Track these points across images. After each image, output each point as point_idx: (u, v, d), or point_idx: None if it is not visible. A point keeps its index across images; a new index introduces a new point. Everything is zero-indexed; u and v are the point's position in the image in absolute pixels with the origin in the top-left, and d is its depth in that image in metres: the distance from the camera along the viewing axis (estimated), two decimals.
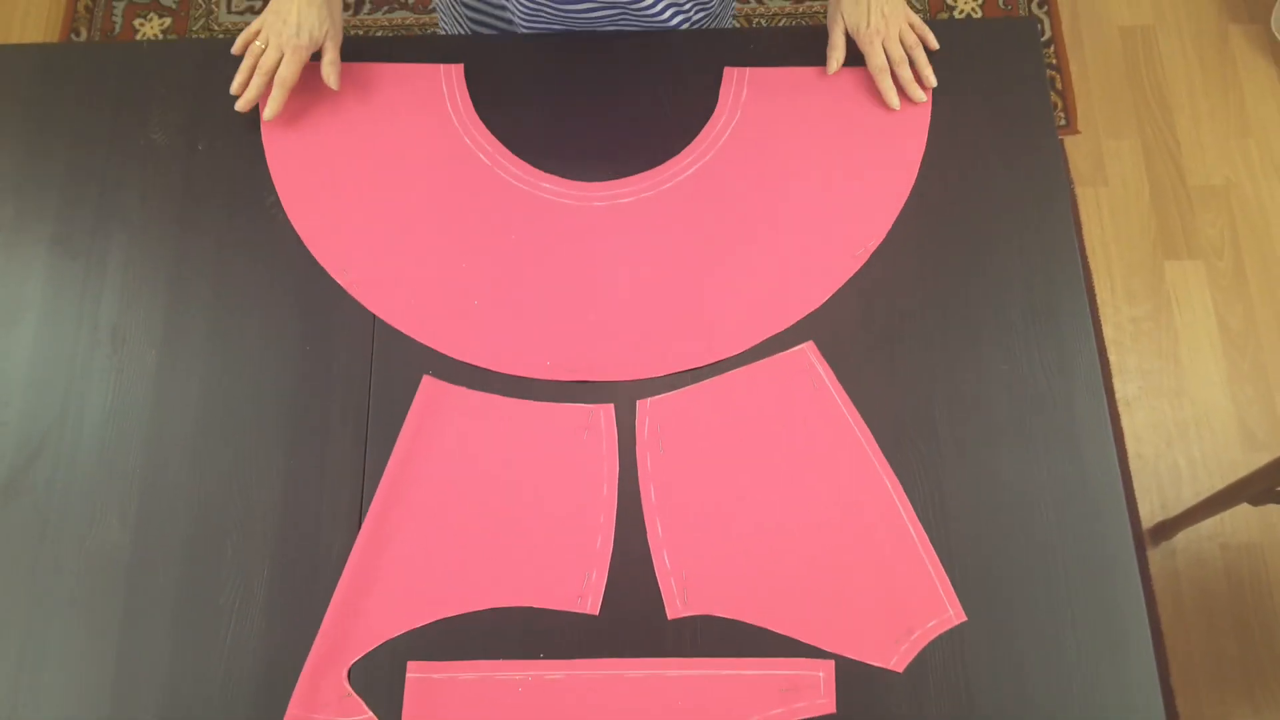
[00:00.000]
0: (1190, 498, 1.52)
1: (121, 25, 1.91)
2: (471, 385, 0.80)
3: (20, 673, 0.72)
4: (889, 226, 0.85)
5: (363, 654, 0.72)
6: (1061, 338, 0.82)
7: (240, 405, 0.79)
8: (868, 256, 0.84)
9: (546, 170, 0.87)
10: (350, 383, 0.80)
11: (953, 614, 0.73)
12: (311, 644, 0.72)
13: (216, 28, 1.91)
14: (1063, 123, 1.80)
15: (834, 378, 0.80)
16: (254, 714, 0.71)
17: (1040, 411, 0.80)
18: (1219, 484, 1.47)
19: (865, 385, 0.80)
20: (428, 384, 0.79)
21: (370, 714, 0.70)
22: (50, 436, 0.78)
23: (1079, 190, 1.75)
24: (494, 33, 1.04)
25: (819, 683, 0.71)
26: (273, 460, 0.77)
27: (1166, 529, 1.48)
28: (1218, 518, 1.50)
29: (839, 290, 0.83)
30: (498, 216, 0.85)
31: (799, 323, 0.82)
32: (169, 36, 1.89)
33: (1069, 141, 1.79)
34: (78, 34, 1.90)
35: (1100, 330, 1.64)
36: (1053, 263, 0.84)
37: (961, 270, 0.84)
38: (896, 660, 0.72)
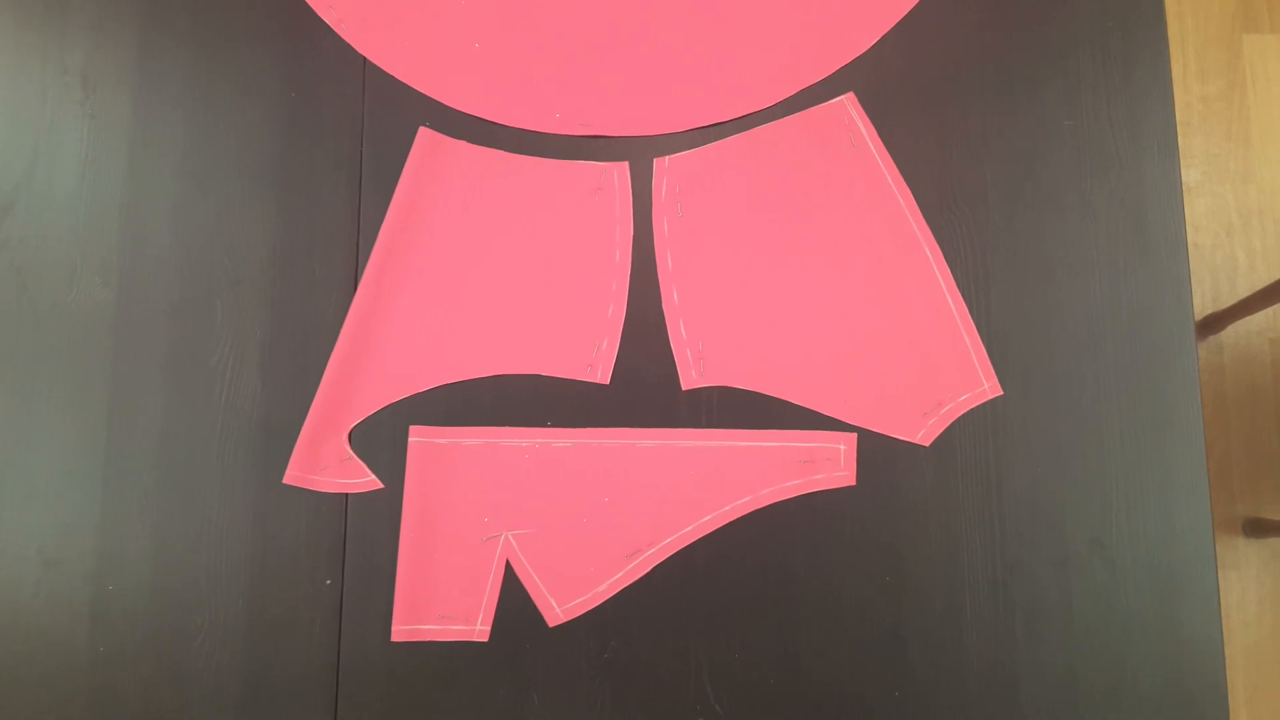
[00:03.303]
0: (1244, 291, 1.44)
1: None
2: (473, 139, 0.73)
3: (8, 425, 0.69)
4: None
5: (363, 417, 0.69)
6: (1135, 91, 0.72)
7: (223, 157, 0.73)
8: None
9: None
10: (340, 133, 0.73)
11: (987, 387, 0.68)
12: (309, 407, 0.69)
13: None
14: None
15: (875, 134, 0.72)
16: (252, 476, 0.68)
17: (1104, 174, 0.71)
18: (1277, 278, 1.39)
19: (910, 141, 0.72)
20: (424, 136, 0.72)
21: (372, 476, 0.68)
22: (21, 189, 0.72)
23: None
24: None
25: (839, 455, 0.67)
26: (261, 216, 0.72)
27: (1215, 322, 1.41)
28: (1270, 311, 1.43)
29: (886, 34, 0.73)
30: None
31: (839, 71, 0.73)
32: None
33: None
34: None
35: None
36: (1133, 5, 0.74)
37: (1027, 11, 0.74)
38: (924, 434, 0.68)
